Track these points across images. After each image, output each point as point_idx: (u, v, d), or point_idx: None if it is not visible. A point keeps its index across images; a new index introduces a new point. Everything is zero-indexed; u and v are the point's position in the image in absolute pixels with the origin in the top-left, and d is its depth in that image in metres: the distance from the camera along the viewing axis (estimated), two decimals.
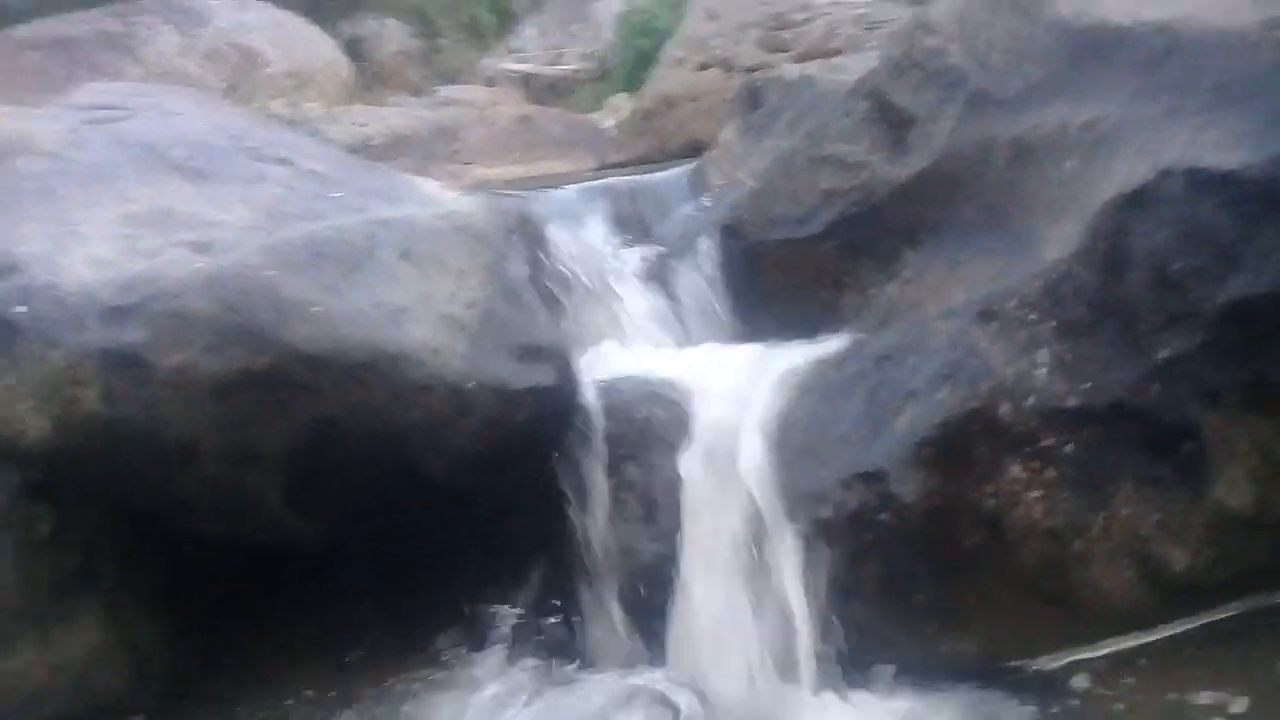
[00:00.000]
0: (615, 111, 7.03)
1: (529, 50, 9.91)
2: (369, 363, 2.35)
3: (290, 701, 2.67)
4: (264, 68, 7.67)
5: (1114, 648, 2.34)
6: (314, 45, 8.30)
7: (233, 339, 2.27)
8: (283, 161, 2.89)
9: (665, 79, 5.11)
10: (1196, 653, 2.29)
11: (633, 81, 7.98)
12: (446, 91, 8.28)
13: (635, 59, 8.17)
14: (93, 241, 2.45)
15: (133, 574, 2.69)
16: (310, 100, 7.31)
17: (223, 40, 7.70)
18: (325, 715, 2.60)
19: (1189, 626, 2.34)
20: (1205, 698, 2.18)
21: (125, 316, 2.26)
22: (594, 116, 6.82)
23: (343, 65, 8.51)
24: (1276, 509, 2.27)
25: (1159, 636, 2.34)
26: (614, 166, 4.99)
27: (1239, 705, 2.14)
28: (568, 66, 9.32)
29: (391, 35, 9.84)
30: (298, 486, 2.46)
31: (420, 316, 2.43)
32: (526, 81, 9.27)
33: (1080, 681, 2.30)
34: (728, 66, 4.84)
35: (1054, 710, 2.24)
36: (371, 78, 9.29)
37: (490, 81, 9.28)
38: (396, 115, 6.64)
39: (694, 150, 4.73)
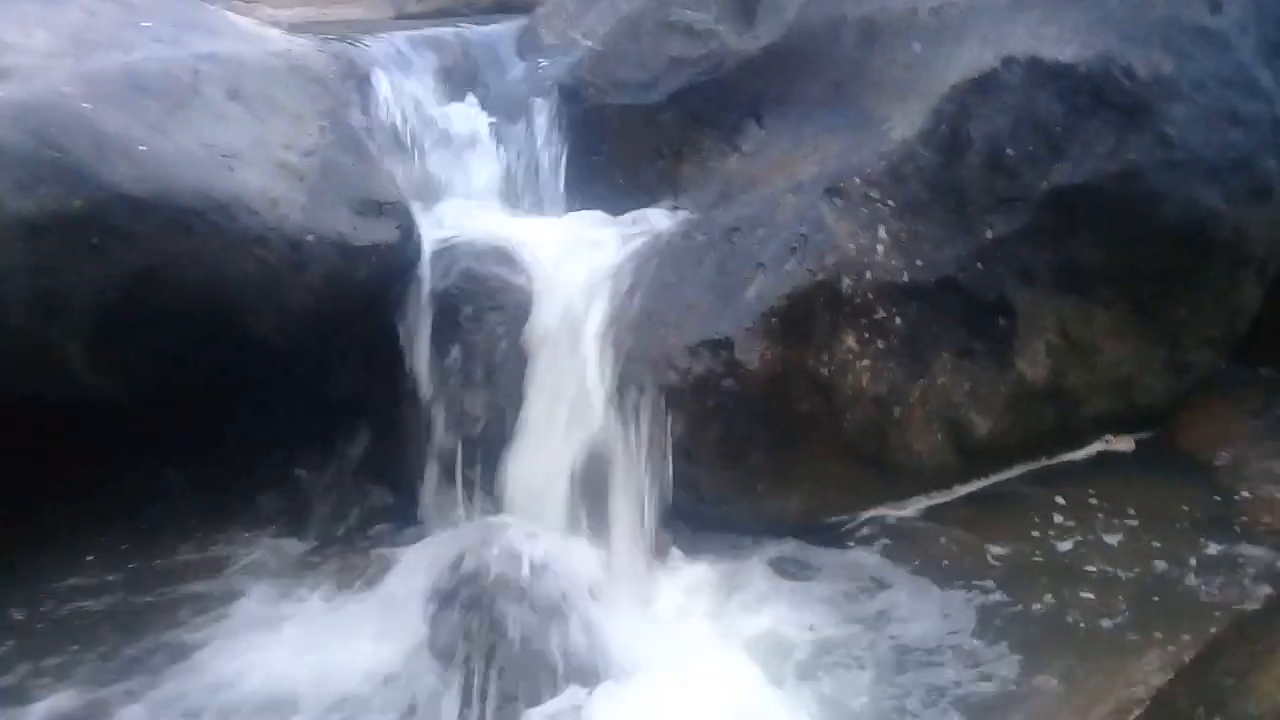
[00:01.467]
0: None
1: None
2: (199, 210, 2.18)
3: (89, 557, 2.52)
4: None
5: (920, 505, 2.52)
6: None
7: (46, 176, 2.04)
8: None
9: None
10: (984, 508, 2.51)
11: None
12: None
13: None
14: None
15: None
16: None
17: None
18: (117, 581, 2.45)
19: (982, 484, 2.56)
20: (986, 546, 2.39)
21: None
22: None
23: None
24: (1065, 382, 2.51)
25: (957, 495, 2.54)
26: (414, 18, 4.72)
27: (1001, 549, 2.37)
28: None
29: None
30: (106, 342, 2.27)
31: (254, 162, 2.27)
32: None
33: (885, 531, 2.48)
34: None
35: (860, 557, 2.39)
36: None
37: None
38: None
39: (503, 6, 4.55)
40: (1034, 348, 2.46)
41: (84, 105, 2.10)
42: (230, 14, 2.80)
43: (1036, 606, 2.17)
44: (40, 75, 2.15)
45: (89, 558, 2.54)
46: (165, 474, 2.79)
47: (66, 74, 2.17)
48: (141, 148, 2.12)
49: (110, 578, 2.48)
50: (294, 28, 3.26)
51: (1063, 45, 2.23)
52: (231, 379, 2.60)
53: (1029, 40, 2.27)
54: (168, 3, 2.68)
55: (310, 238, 2.30)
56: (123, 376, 2.37)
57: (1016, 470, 2.59)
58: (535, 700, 1.97)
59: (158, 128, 2.17)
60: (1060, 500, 2.49)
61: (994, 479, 2.57)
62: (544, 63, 3.08)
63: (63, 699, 2.04)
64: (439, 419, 2.55)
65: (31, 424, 2.53)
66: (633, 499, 2.43)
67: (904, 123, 2.38)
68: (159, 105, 2.21)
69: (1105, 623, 2.10)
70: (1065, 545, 2.34)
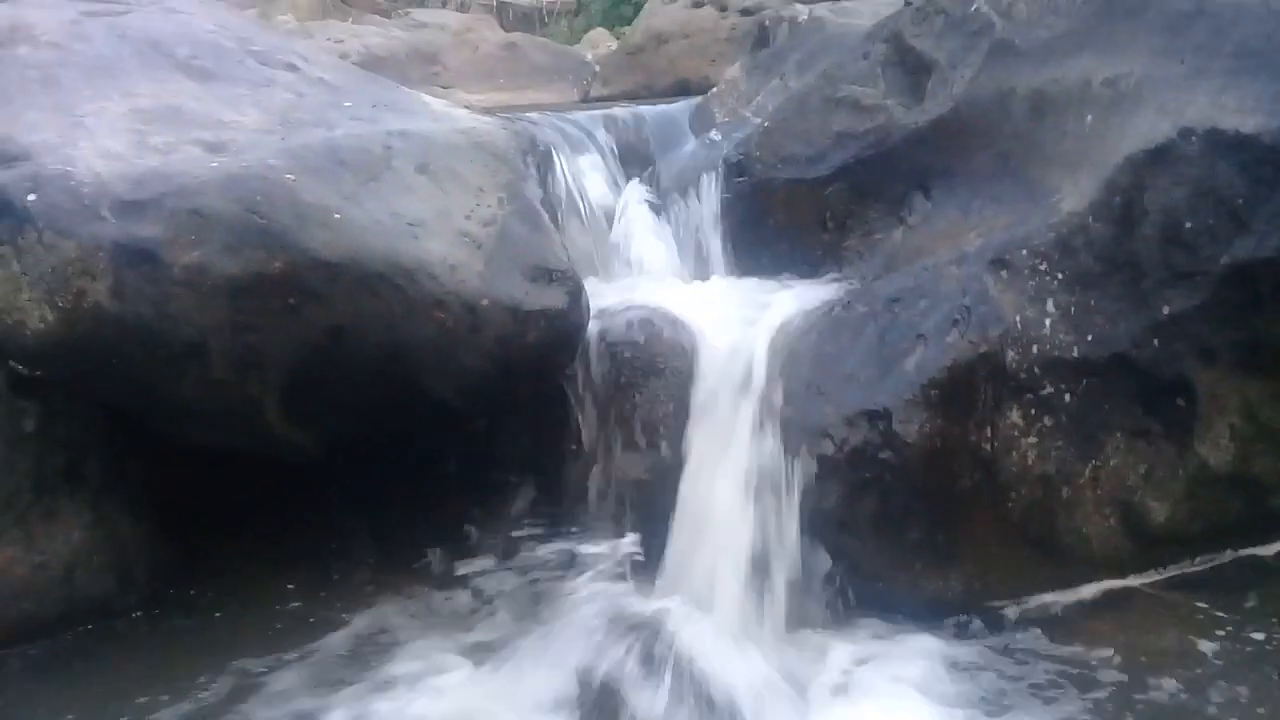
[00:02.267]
0: (595, 45, 6.98)
1: None
2: (385, 274, 2.33)
3: (275, 609, 2.67)
4: None
5: (1091, 592, 2.41)
6: None
7: (250, 240, 2.23)
8: (290, 68, 2.85)
9: (657, 15, 5.09)
10: (1162, 600, 2.37)
11: (611, 16, 7.94)
12: (418, 14, 8.13)
13: None
14: (102, 134, 2.40)
15: (118, 475, 2.65)
16: (282, 14, 7.15)
17: None
18: (309, 627, 2.59)
19: (1160, 575, 2.42)
20: (1168, 642, 2.26)
21: (141, 211, 2.22)
22: (576, 49, 6.75)
23: None
24: (1253, 469, 2.37)
25: (1132, 585, 2.41)
26: (599, 100, 4.97)
27: (1200, 649, 2.23)
28: None
29: None
30: (299, 396, 2.43)
31: (437, 231, 2.41)
32: (499, 10, 9.15)
33: (1055, 622, 2.38)
34: (721, 6, 4.84)
35: (1027, 648, 2.30)
36: None
37: (462, 7, 9.14)
38: (373, 34, 6.52)
39: (682, 88, 4.75)
40: (1216, 430, 2.34)
41: (288, 177, 2.30)
42: (424, 96, 3.01)
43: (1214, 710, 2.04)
44: (250, 149, 2.37)
45: (272, 593, 2.70)
46: (345, 522, 2.96)
47: (273, 149, 2.38)
48: (336, 216, 2.30)
49: (287, 611, 2.63)
50: (486, 109, 3.48)
51: (1245, 115, 2.16)
52: (409, 435, 2.75)
53: (1209, 110, 2.20)
54: (368, 85, 2.92)
55: (485, 302, 2.42)
56: (312, 429, 2.53)
57: (1199, 562, 2.44)
58: None
59: (352, 198, 2.35)
60: (1245, 599, 2.34)
61: (1173, 570, 2.42)
62: (715, 138, 3.17)
63: None
64: (600, 480, 2.62)
65: (233, 471, 2.74)
66: (788, 570, 2.42)
67: (1074, 194, 2.34)
68: (354, 178, 2.39)
69: None
70: (1229, 646, 2.19)
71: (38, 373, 2.41)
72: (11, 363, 2.40)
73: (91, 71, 2.61)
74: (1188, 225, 2.20)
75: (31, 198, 2.22)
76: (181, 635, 2.54)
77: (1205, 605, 2.34)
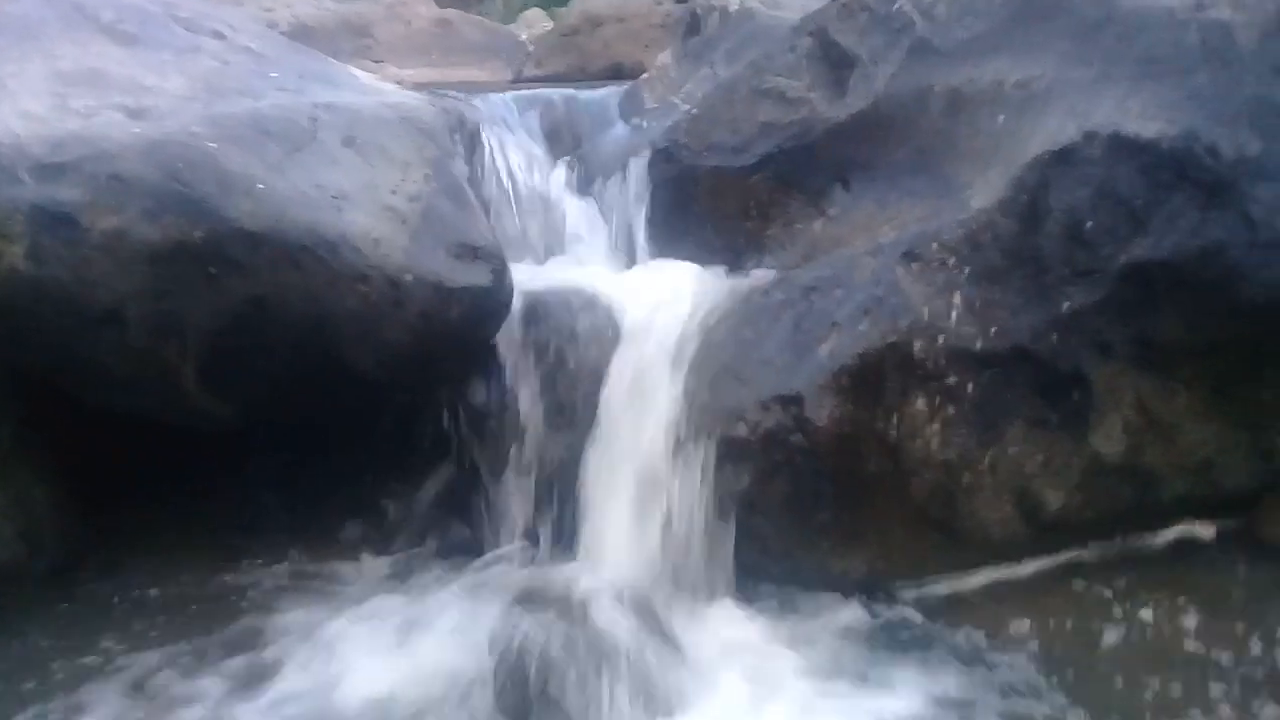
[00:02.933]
0: (530, 25, 6.96)
1: None
2: (308, 246, 2.33)
3: (184, 577, 2.66)
4: None
5: (987, 575, 2.49)
6: None
7: (171, 208, 2.23)
8: (216, 35, 2.82)
9: None
10: (1052, 584, 2.47)
11: None
12: None
13: None
14: (22, 96, 2.37)
15: (29, 441, 2.62)
16: None
17: None
18: (219, 598, 2.59)
19: (1053, 560, 2.51)
20: (1059, 624, 2.36)
21: (60, 174, 2.20)
22: (511, 28, 6.73)
23: None
24: (1144, 460, 2.47)
25: (1029, 569, 2.50)
26: (532, 80, 4.97)
27: (1089, 630, 2.33)
28: None
29: None
30: (216, 365, 2.43)
31: (362, 204, 2.42)
32: None
33: (952, 603, 2.46)
34: None
35: (922, 627, 2.39)
36: None
37: None
38: (303, 4, 6.40)
39: (616, 72, 4.76)
40: (1110, 422, 2.44)
41: (210, 145, 2.29)
42: (353, 69, 3.01)
43: (1093, 691, 2.14)
44: (173, 116, 2.35)
45: (186, 562, 2.70)
46: (261, 494, 2.95)
47: (197, 116, 2.36)
48: (260, 186, 2.30)
49: (201, 581, 2.63)
50: (415, 85, 3.47)
51: (1146, 121, 2.26)
52: (328, 408, 2.75)
53: (1113, 114, 2.30)
54: (296, 56, 2.90)
55: (409, 277, 2.43)
56: (230, 399, 2.52)
57: (1090, 549, 2.53)
58: None
59: (276, 168, 2.35)
60: (1130, 583, 2.44)
61: (1065, 555, 2.51)
62: (643, 124, 3.21)
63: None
64: (518, 458, 2.66)
65: (147, 439, 2.72)
66: (696, 546, 2.48)
67: (984, 191, 2.42)
68: (279, 148, 2.39)
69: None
70: (1123, 629, 2.29)
71: None
72: None
73: (14, 34, 2.57)
74: (1089, 225, 2.30)
75: None
76: (90, 602, 2.53)
77: (1096, 589, 2.44)
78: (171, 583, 2.63)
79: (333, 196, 2.39)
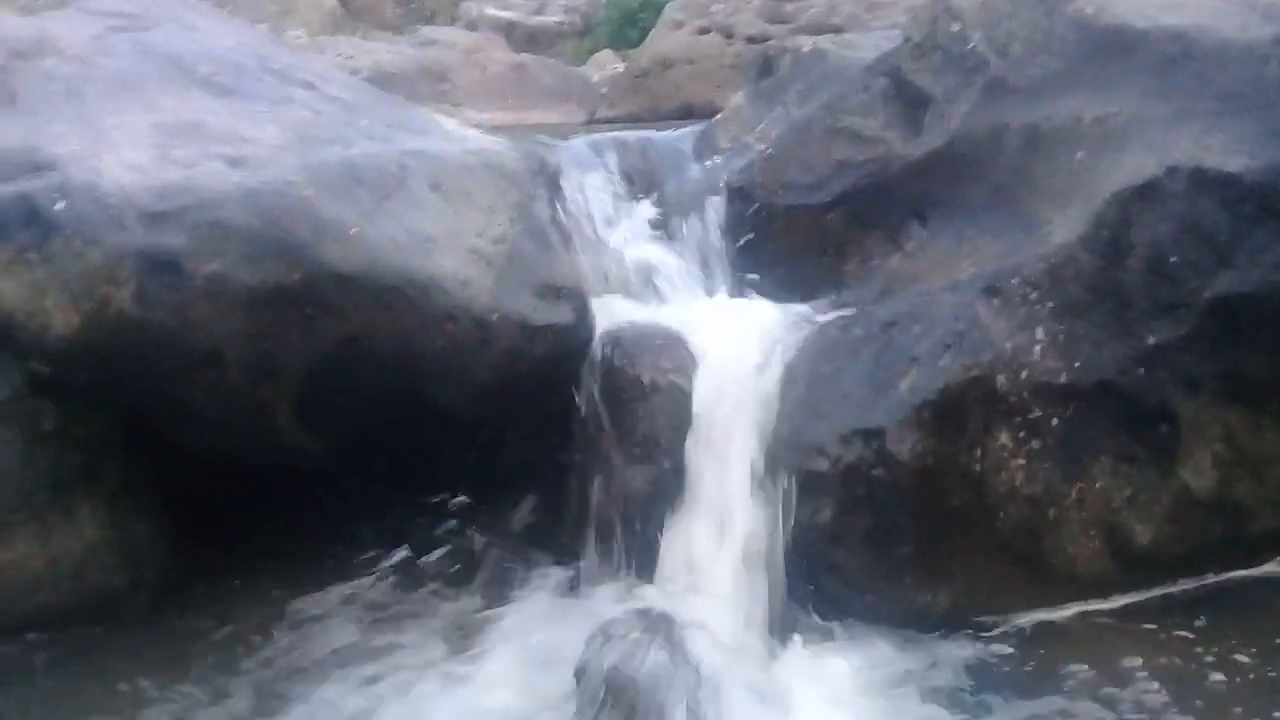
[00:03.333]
0: (601, 67, 7.08)
1: None
2: (399, 288, 2.41)
3: (277, 606, 2.72)
4: None
5: (1075, 612, 2.46)
6: None
7: (269, 253, 2.32)
8: (307, 85, 2.94)
9: (663, 40, 5.18)
10: (1144, 621, 2.43)
11: (617, 38, 8.04)
12: (427, 31, 8.22)
13: (621, 16, 8.21)
14: (126, 147, 2.48)
15: (133, 476, 2.73)
16: (294, 29, 7.25)
17: None
18: (313, 628, 2.65)
19: (1143, 596, 2.48)
20: (1148, 662, 2.31)
21: (165, 222, 2.30)
22: (582, 71, 6.84)
23: None
24: (1234, 494, 2.44)
25: (1117, 604, 2.48)
26: (605, 122, 5.05)
27: (1179, 670, 2.28)
28: (551, 18, 9.30)
29: None
30: (310, 405, 2.52)
31: (449, 248, 2.50)
32: (507, 29, 9.23)
33: (1038, 639, 2.44)
34: (728, 33, 4.93)
35: (1010, 664, 2.36)
36: (349, 12, 9.20)
37: (470, 25, 9.23)
38: (383, 51, 6.59)
39: (687, 113, 4.83)
40: (1199, 456, 2.41)
41: (306, 192, 2.38)
42: (437, 115, 3.10)
43: None
44: (270, 165, 2.45)
45: (278, 593, 2.77)
46: (348, 528, 3.03)
47: (292, 164, 2.46)
48: (353, 231, 2.39)
49: (295, 612, 2.68)
50: (494, 128, 3.57)
51: (1228, 155, 2.25)
52: (416, 445, 2.82)
53: (1194, 150, 2.30)
54: (383, 104, 3.01)
55: (495, 317, 2.51)
56: (323, 437, 2.61)
57: (1181, 584, 2.50)
58: None
59: (367, 214, 2.44)
60: (1222, 620, 2.40)
61: (1156, 591, 2.48)
62: (719, 163, 3.26)
63: None
64: (600, 491, 2.70)
65: (238, 473, 2.81)
66: (776, 580, 2.50)
67: (1064, 227, 2.42)
68: (370, 195, 2.48)
69: None
70: (1217, 667, 2.25)
71: (59, 375, 2.49)
72: (33, 364, 2.48)
73: (115, 85, 2.70)
74: (1172, 259, 2.29)
75: (60, 206, 2.31)
76: (187, 634, 2.61)
77: (1186, 627, 2.40)
78: (262, 615, 2.70)
79: (422, 240, 2.48)
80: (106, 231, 2.29)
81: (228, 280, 2.32)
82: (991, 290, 2.43)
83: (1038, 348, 2.37)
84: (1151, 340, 2.34)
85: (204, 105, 2.72)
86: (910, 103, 2.86)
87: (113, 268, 2.29)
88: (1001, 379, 2.37)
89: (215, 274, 2.31)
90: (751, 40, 4.72)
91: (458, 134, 2.89)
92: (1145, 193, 2.31)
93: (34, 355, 2.45)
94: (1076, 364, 2.37)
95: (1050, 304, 2.39)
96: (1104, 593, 2.48)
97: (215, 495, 2.89)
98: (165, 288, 2.30)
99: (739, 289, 3.06)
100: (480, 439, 2.79)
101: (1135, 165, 2.35)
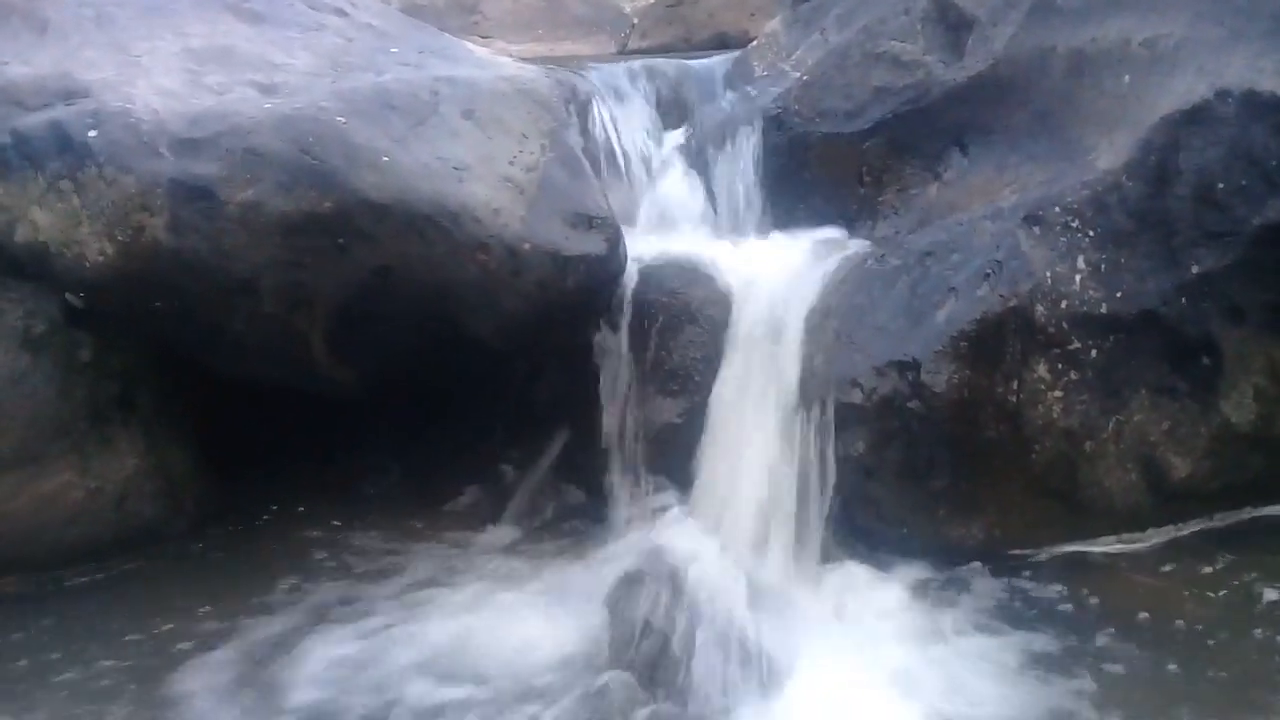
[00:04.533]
0: None
1: None
2: (431, 216, 2.40)
3: (312, 533, 2.77)
4: None
5: (1109, 545, 2.45)
6: None
7: (303, 180, 2.31)
8: (339, 12, 2.91)
9: None
10: (1179, 555, 2.41)
11: None
12: None
13: None
14: (158, 73, 2.47)
15: (169, 406, 2.75)
16: None
17: None
18: (342, 553, 2.68)
19: (1179, 530, 2.46)
20: (1180, 594, 2.30)
21: (198, 149, 2.29)
22: (614, 1, 6.73)
23: None
24: (1275, 428, 2.40)
25: (1153, 539, 2.46)
26: (638, 53, 4.98)
27: (1212, 603, 2.26)
28: None
29: None
30: (343, 333, 2.52)
31: (482, 175, 2.48)
32: None
33: (1072, 570, 2.42)
34: None
35: (1041, 594, 2.34)
36: None
37: None
38: None
39: (721, 42, 4.74)
40: (1241, 390, 2.38)
41: (339, 119, 2.36)
42: (469, 43, 3.06)
43: (1219, 671, 2.07)
44: (302, 92, 2.43)
45: (310, 525, 2.81)
46: (382, 459, 3.05)
47: (325, 91, 2.44)
48: (385, 158, 2.37)
49: (329, 543, 2.72)
50: (525, 60, 3.52)
51: None
52: (449, 376, 2.83)
53: (1246, 73, 2.23)
54: (415, 31, 2.97)
55: (527, 246, 2.48)
56: (355, 366, 2.62)
57: (1217, 519, 2.48)
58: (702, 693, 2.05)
59: (400, 141, 2.42)
60: (1262, 556, 2.36)
61: (1192, 526, 2.47)
62: (753, 92, 3.20)
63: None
64: (633, 423, 2.70)
65: (272, 406, 2.84)
66: (812, 511, 2.49)
67: (1110, 153, 2.36)
68: (402, 121, 2.45)
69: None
70: (1258, 604, 2.22)
71: (94, 305, 2.50)
72: (68, 294, 2.49)
73: (145, 11, 2.69)
74: (1221, 186, 2.23)
75: (92, 134, 2.30)
76: (225, 562, 2.65)
77: (1222, 560, 2.37)
78: (297, 544, 2.73)
79: (454, 168, 2.45)
80: (139, 159, 2.28)
81: (261, 208, 2.31)
82: (1033, 218, 2.38)
83: (1079, 277, 2.33)
84: (1196, 269, 2.29)
85: (236, 31, 2.70)
86: (952, 26, 2.79)
87: (146, 196, 2.28)
88: (1040, 309, 2.33)
89: (248, 201, 2.30)
90: None
91: (490, 61, 2.85)
92: (1194, 116, 2.25)
93: (69, 285, 2.46)
94: (1118, 294, 2.32)
95: (1093, 233, 2.34)
96: (1140, 526, 2.46)
97: (249, 425, 2.92)
98: (199, 215, 2.30)
99: (773, 219, 3.03)
100: (512, 370, 2.79)
101: (1185, 89, 2.28)
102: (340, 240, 2.37)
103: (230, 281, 2.36)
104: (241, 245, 2.32)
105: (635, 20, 5.64)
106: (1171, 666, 2.07)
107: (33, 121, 2.37)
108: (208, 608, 2.40)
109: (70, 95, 2.39)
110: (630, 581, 2.25)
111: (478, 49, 3.01)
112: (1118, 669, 2.08)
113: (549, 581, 2.48)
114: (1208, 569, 2.35)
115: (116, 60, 2.49)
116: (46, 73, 2.45)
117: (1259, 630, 2.15)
